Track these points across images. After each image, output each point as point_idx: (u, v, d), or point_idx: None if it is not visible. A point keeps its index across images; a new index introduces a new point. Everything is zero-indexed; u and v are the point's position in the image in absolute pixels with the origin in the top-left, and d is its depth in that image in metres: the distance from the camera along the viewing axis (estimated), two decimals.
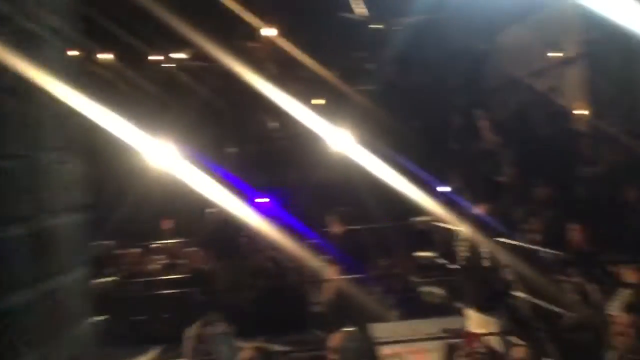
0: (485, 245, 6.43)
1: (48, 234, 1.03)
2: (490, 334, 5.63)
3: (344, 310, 6.24)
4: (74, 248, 1.14)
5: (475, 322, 5.67)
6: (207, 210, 8.25)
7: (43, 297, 1.01)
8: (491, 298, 5.67)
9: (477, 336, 4.18)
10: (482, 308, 5.55)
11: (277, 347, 7.44)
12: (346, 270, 6.65)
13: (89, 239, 1.21)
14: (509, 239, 7.54)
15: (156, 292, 8.56)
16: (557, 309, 6.12)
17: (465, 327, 6.19)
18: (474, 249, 6.59)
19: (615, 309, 4.50)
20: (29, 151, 0.99)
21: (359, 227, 9.40)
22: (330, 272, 6.58)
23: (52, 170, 1.06)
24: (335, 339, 3.96)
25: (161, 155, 7.80)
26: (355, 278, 8.25)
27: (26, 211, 0.97)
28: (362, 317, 6.79)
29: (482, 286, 5.59)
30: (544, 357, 5.07)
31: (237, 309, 7.59)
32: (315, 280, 6.80)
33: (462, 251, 7.15)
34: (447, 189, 10.37)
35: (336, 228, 6.96)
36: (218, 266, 8.24)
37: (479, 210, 6.19)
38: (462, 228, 7.58)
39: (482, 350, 4.06)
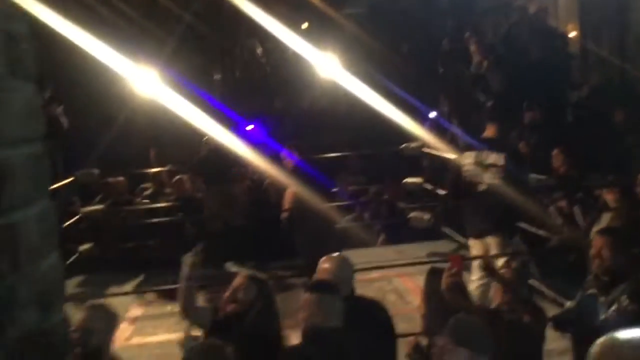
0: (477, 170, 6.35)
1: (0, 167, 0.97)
2: (496, 255, 5.69)
3: (324, 237, 6.24)
4: (32, 181, 1.08)
5: (479, 247, 5.71)
6: (204, 138, 8.17)
7: (1, 231, 0.96)
8: (496, 222, 5.69)
9: (461, 259, 4.24)
10: (486, 233, 5.60)
11: (268, 274, 7.56)
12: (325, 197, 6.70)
13: (49, 172, 1.15)
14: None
15: (144, 220, 8.60)
16: (542, 233, 6.19)
17: (463, 253, 6.27)
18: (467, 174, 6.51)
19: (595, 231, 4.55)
20: None
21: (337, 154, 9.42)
22: (311, 200, 6.60)
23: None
24: (323, 265, 3.98)
25: (146, 81, 7.67)
26: (343, 204, 8.30)
27: None
28: (343, 243, 6.87)
29: (486, 211, 5.58)
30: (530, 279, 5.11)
31: (226, 236, 7.66)
32: (298, 207, 6.83)
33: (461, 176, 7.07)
34: (436, 114, 10.30)
35: (291, 161, 6.94)
36: (207, 193, 8.23)
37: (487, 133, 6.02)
38: (452, 154, 7.54)
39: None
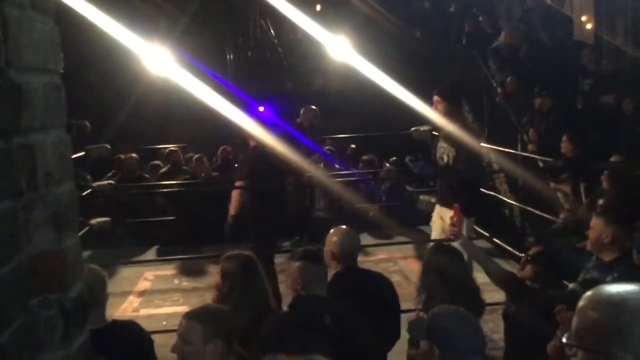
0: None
1: (16, 89, 1.04)
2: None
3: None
4: (49, 109, 1.15)
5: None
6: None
7: (18, 148, 1.03)
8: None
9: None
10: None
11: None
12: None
13: (64, 105, 1.22)
14: (507, 147, 7.56)
15: (154, 196, 8.69)
16: (546, 215, 6.24)
17: None
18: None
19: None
20: None
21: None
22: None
23: (19, 25, 1.05)
24: (331, 237, 4.05)
25: (159, 60, 7.71)
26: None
27: None
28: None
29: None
30: None
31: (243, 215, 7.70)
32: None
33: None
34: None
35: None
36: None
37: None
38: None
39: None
